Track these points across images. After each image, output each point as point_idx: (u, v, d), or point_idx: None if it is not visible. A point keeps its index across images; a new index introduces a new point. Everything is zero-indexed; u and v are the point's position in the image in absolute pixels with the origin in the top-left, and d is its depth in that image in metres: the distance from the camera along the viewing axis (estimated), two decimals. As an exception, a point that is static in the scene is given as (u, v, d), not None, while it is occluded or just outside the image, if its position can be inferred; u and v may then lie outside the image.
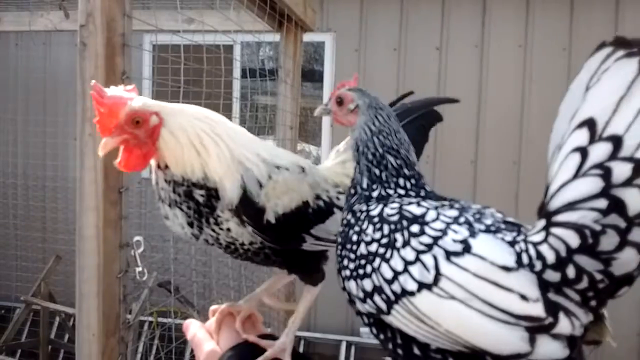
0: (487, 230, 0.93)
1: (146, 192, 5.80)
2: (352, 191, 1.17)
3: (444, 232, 0.93)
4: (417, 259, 0.92)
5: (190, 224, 1.23)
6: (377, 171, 1.13)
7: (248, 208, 1.20)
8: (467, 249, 0.89)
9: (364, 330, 5.84)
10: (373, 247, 0.99)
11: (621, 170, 0.76)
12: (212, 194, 1.19)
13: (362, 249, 1.01)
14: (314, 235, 1.31)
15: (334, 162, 1.53)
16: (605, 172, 0.77)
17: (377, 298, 0.96)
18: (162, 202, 1.24)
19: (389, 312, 0.95)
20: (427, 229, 0.94)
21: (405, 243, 0.95)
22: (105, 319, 1.68)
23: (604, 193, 0.77)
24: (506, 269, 0.86)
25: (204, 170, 1.18)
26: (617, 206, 0.77)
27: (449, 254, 0.90)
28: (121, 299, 1.74)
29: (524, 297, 0.83)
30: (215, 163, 1.18)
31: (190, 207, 1.20)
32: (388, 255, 0.96)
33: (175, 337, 4.32)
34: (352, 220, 1.08)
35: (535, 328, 0.83)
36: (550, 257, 0.83)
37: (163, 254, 5.02)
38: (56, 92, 6.57)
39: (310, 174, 1.34)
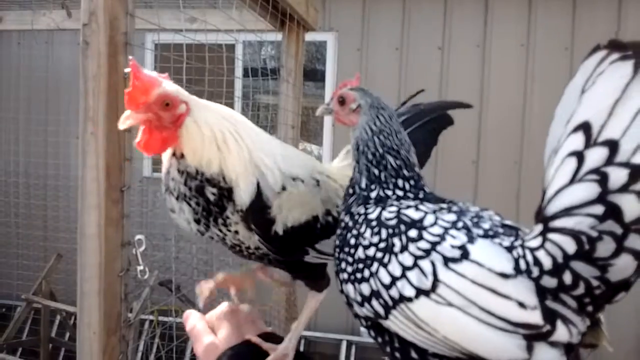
0: (485, 235, 0.93)
1: (147, 191, 5.81)
2: (351, 191, 1.17)
3: (442, 237, 0.93)
4: (415, 265, 0.91)
5: (197, 221, 1.21)
6: (376, 171, 1.13)
7: (258, 216, 1.19)
8: (465, 255, 0.89)
9: (364, 330, 5.83)
10: (371, 251, 0.98)
11: (617, 176, 0.76)
12: (224, 194, 1.18)
13: (360, 253, 1.00)
14: (318, 250, 1.30)
15: (344, 164, 1.52)
16: (602, 178, 0.77)
17: (374, 303, 0.96)
18: (169, 194, 1.22)
19: (386, 317, 0.94)
20: (425, 234, 0.94)
21: (403, 248, 0.94)
22: (107, 317, 1.68)
23: (601, 199, 0.77)
24: (504, 275, 0.85)
25: (221, 166, 1.17)
26: (614, 212, 0.76)
27: (447, 260, 0.89)
28: (122, 298, 1.74)
29: (521, 305, 0.83)
30: (235, 161, 1.18)
31: (200, 204, 1.18)
32: (386, 260, 0.95)
33: (176, 335, 4.33)
34: (350, 223, 1.07)
35: (533, 336, 0.83)
36: (547, 263, 0.83)
37: (164, 253, 5.02)
38: (58, 91, 6.58)
39: (324, 187, 1.33)
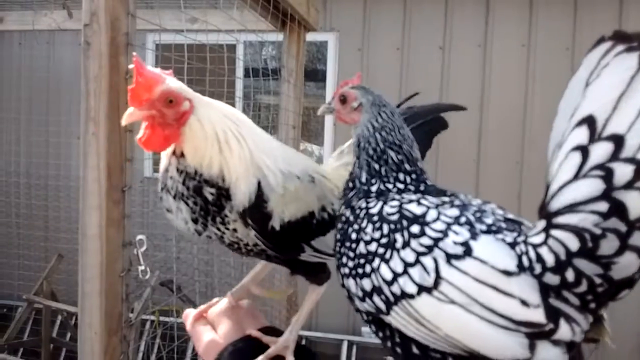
0: (488, 230, 0.91)
1: (148, 191, 5.82)
2: (350, 185, 1.15)
3: (445, 233, 0.91)
4: (417, 261, 0.91)
5: (195, 220, 1.21)
6: (376, 166, 1.12)
7: (255, 212, 1.19)
8: (468, 252, 0.88)
9: (366, 329, 5.84)
10: (372, 246, 0.98)
11: (623, 172, 0.74)
12: (223, 194, 1.18)
13: (362, 248, 0.99)
14: (314, 247, 1.30)
15: (339, 164, 1.52)
16: (607, 174, 0.75)
17: (376, 298, 0.95)
18: (166, 193, 1.21)
19: (388, 313, 0.94)
20: (427, 230, 0.93)
21: (405, 244, 0.93)
22: (108, 317, 1.68)
23: (605, 195, 0.75)
24: (507, 273, 0.84)
25: (222, 168, 1.16)
26: (618, 209, 0.75)
27: (449, 257, 0.88)
28: (123, 298, 1.74)
29: (524, 303, 0.82)
30: (236, 163, 1.17)
31: (197, 204, 1.18)
32: (387, 255, 0.94)
33: (177, 336, 4.33)
34: (351, 218, 1.06)
35: (536, 334, 0.82)
36: (550, 260, 0.82)
37: (165, 253, 5.03)
38: (59, 92, 6.58)
39: (319, 184, 1.34)
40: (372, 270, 0.96)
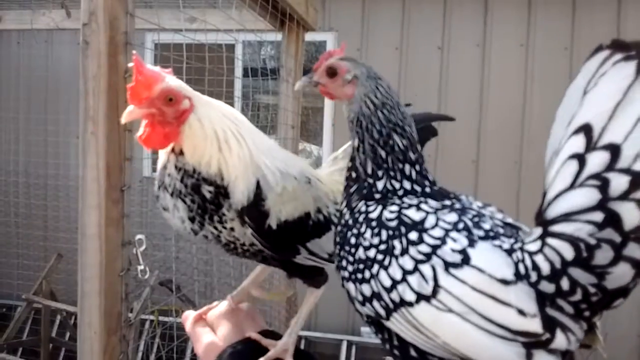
0: (486, 236, 0.92)
1: (147, 191, 5.81)
2: (354, 175, 1.11)
3: (443, 240, 0.92)
4: (416, 269, 0.91)
5: (192, 219, 1.20)
6: (383, 153, 1.06)
7: (253, 210, 1.19)
8: (465, 260, 0.88)
9: (365, 329, 5.84)
10: (371, 252, 0.97)
11: (618, 183, 0.74)
12: (221, 192, 1.18)
13: (361, 253, 0.99)
14: (309, 249, 1.30)
15: (333, 169, 1.52)
16: (603, 184, 0.75)
17: (376, 304, 0.95)
18: (164, 190, 1.21)
19: (387, 319, 0.94)
20: (425, 237, 0.93)
21: (404, 251, 0.93)
22: (107, 317, 1.68)
23: (601, 206, 0.76)
24: (505, 282, 0.85)
25: (220, 167, 1.17)
26: (613, 220, 0.75)
27: (447, 265, 0.89)
28: (123, 297, 1.74)
29: (521, 312, 0.82)
30: (235, 162, 1.17)
31: (195, 202, 1.18)
32: (386, 262, 0.94)
33: (176, 335, 4.33)
34: (351, 222, 1.05)
35: (532, 344, 0.82)
36: (545, 269, 0.82)
37: (165, 253, 5.03)
38: (58, 91, 6.58)
39: (314, 186, 1.34)
40: (372, 276, 0.96)
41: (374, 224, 1.00)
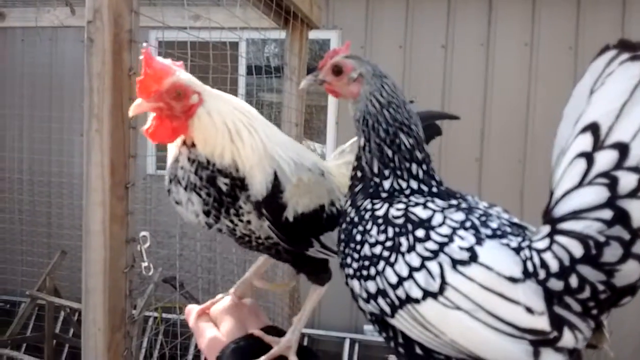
0: (494, 235, 0.92)
1: (151, 188, 5.83)
2: (359, 174, 1.11)
3: (450, 238, 0.91)
4: (423, 266, 0.90)
5: (207, 213, 1.18)
6: (389, 152, 1.06)
7: (271, 202, 1.17)
8: (473, 257, 0.88)
9: (368, 327, 5.85)
10: (377, 249, 0.97)
11: (627, 181, 0.75)
12: (237, 184, 1.16)
13: (366, 250, 0.99)
14: (322, 242, 1.29)
15: (340, 162, 1.51)
16: (611, 182, 0.76)
17: (381, 301, 0.95)
18: (176, 184, 1.19)
19: (392, 316, 0.94)
20: (432, 234, 0.93)
21: (411, 248, 0.93)
22: (111, 313, 1.69)
23: (609, 203, 0.76)
24: (513, 280, 0.84)
25: (234, 158, 1.15)
26: (622, 218, 0.76)
27: (455, 263, 0.88)
28: (127, 294, 1.74)
29: (529, 310, 0.82)
30: (248, 152, 1.16)
31: (210, 195, 1.16)
32: (392, 259, 0.94)
33: (180, 332, 4.34)
34: (356, 219, 1.04)
35: (540, 341, 0.82)
36: (554, 266, 0.82)
37: (169, 250, 5.04)
38: (62, 88, 6.60)
39: (328, 178, 1.33)
40: (377, 273, 0.96)
41: (380, 221, 0.99)
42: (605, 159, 0.77)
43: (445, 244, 0.91)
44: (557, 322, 0.82)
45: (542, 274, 0.83)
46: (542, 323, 0.82)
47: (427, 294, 0.89)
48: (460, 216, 0.95)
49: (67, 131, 6.35)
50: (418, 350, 0.94)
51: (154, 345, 5.27)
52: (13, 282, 6.34)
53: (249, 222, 1.21)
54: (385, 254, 0.95)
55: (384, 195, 1.06)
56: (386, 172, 1.06)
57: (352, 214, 1.07)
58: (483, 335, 0.84)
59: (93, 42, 1.61)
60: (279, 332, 1.28)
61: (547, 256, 0.83)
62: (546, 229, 0.85)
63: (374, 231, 0.99)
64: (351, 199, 1.11)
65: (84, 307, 1.69)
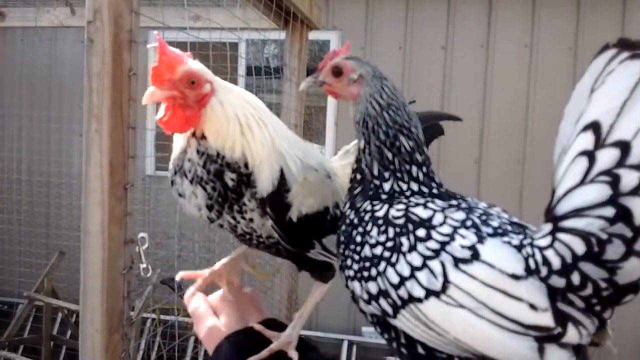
0: (495, 233, 0.92)
1: (150, 189, 5.82)
2: (359, 177, 1.11)
3: (452, 237, 0.92)
4: (424, 265, 0.90)
5: (209, 207, 1.17)
6: (389, 155, 1.06)
7: (276, 200, 1.17)
8: (475, 255, 0.88)
9: (366, 329, 5.84)
10: (378, 250, 0.97)
11: (629, 179, 0.75)
12: (243, 180, 1.15)
13: (367, 251, 0.99)
14: (323, 245, 1.28)
15: (344, 163, 1.50)
16: (613, 180, 0.76)
17: (382, 301, 0.95)
18: (181, 176, 1.17)
19: (395, 316, 0.94)
20: (433, 234, 0.93)
21: (412, 248, 0.93)
22: (109, 314, 1.68)
23: (612, 201, 0.77)
24: (515, 277, 0.85)
25: (244, 152, 1.14)
26: (624, 215, 0.76)
27: (457, 261, 0.89)
28: (125, 295, 1.74)
29: (533, 307, 0.83)
30: (258, 147, 1.15)
31: (216, 189, 1.15)
32: (394, 259, 0.94)
33: (177, 334, 4.33)
34: (356, 220, 1.04)
35: (544, 338, 0.82)
36: (556, 263, 0.83)
37: (167, 251, 5.03)
38: (61, 89, 6.59)
39: (333, 179, 1.32)
40: (378, 273, 0.96)
41: (380, 222, 0.99)
42: (606, 157, 0.77)
43: (447, 242, 0.91)
44: (561, 318, 0.82)
45: (544, 271, 0.84)
46: (546, 319, 0.82)
47: (429, 292, 0.89)
48: (460, 215, 0.96)
49: (66, 131, 6.34)
50: (420, 350, 0.94)
51: (152, 347, 5.26)
52: (10, 283, 6.33)
53: (251, 220, 1.20)
54: (386, 254, 0.95)
55: (384, 197, 1.06)
56: (386, 175, 1.07)
57: (352, 216, 1.07)
58: (487, 332, 0.84)
59: (93, 43, 1.61)
60: (279, 326, 1.27)
61: (549, 253, 0.84)
62: (548, 226, 0.85)
63: (374, 232, 0.99)
64: (350, 201, 1.11)
65: (81, 307, 1.69)
